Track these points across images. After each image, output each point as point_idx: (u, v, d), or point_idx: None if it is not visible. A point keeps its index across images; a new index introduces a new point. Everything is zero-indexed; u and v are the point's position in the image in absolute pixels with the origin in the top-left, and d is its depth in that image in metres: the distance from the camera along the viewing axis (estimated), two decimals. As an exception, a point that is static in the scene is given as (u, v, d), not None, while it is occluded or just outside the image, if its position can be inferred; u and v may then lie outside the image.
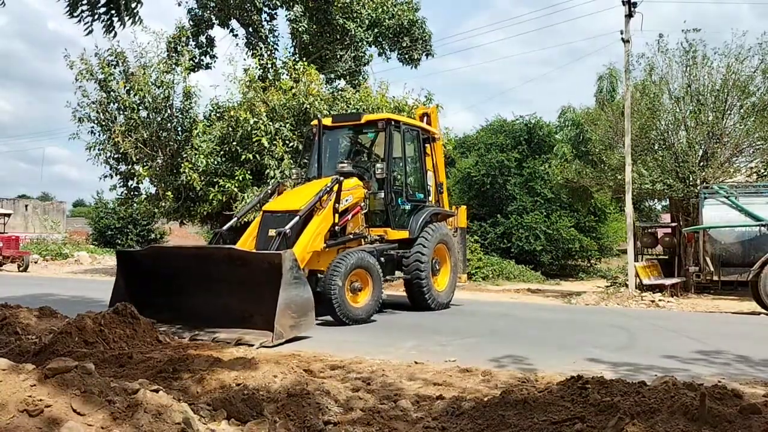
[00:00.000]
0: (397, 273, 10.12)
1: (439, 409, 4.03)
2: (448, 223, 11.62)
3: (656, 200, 22.79)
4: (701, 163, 16.47)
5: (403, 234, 10.04)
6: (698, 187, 15.19)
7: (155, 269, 7.58)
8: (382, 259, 9.37)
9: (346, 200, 9.13)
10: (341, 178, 9.03)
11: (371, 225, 9.89)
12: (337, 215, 8.84)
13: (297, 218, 8.25)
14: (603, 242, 29.00)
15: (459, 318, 9.92)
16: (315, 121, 10.60)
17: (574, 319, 10.45)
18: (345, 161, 9.99)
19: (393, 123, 10.18)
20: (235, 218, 9.85)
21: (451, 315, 10.20)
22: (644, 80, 17.48)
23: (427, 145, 11.19)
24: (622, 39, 15.58)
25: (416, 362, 5.78)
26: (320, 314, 7.98)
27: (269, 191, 10.04)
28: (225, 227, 9.29)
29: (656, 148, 17.45)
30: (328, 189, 8.81)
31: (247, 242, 8.93)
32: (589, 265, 29.32)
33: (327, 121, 10.67)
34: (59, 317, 7.17)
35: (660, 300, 13.65)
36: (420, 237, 10.06)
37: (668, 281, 15.27)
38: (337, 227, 8.92)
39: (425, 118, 11.86)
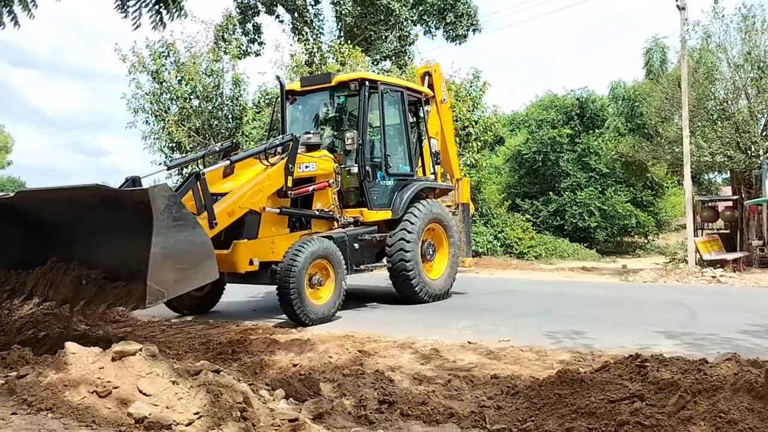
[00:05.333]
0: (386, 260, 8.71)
1: (494, 389, 4.03)
2: (453, 199, 10.22)
3: (716, 173, 22.06)
4: (764, 133, 15.81)
5: (385, 214, 8.55)
6: (761, 158, 14.60)
7: (28, 219, 6.15)
8: (356, 245, 8.05)
9: (306, 166, 7.82)
10: (298, 136, 7.75)
11: (347, 205, 8.47)
12: (290, 178, 7.44)
13: (227, 161, 7.10)
14: (660, 217, 28.18)
15: (511, 298, 9.86)
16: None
17: (631, 296, 10.23)
18: (312, 132, 8.54)
19: (368, 84, 8.58)
20: (166, 167, 7.89)
21: (503, 295, 10.15)
22: (701, 48, 16.82)
23: (421, 109, 9.63)
24: (677, 6, 15.01)
25: (470, 342, 5.78)
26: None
27: (217, 150, 8.21)
28: (142, 176, 6.94)
29: (715, 118, 16.81)
30: (276, 143, 7.51)
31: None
32: (646, 241, 28.54)
33: (295, 86, 9.09)
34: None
35: (721, 276, 13.26)
36: (405, 217, 8.61)
37: (730, 256, 14.81)
38: (290, 193, 7.50)
39: (426, 78, 10.32)
